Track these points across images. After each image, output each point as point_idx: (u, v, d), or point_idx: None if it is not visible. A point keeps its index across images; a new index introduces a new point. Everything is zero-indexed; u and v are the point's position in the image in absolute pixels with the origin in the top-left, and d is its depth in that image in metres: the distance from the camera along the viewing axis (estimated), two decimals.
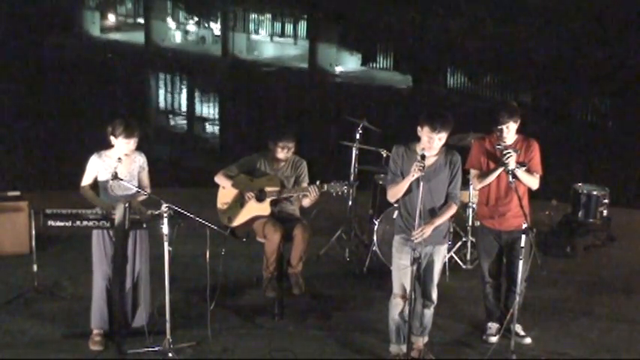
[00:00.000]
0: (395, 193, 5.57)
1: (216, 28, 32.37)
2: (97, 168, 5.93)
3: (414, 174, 5.32)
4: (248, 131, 19.43)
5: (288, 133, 6.94)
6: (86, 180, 5.95)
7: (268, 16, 31.49)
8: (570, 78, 19.82)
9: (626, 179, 13.25)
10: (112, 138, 5.88)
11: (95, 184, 5.98)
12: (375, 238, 7.61)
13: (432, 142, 5.40)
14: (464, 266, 7.85)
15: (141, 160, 6.06)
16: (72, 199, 6.36)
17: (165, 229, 5.56)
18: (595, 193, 8.82)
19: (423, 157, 5.36)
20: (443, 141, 5.45)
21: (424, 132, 5.41)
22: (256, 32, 31.85)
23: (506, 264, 6.22)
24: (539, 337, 6.38)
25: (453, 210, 5.61)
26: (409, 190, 5.50)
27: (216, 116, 23.03)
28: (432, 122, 5.36)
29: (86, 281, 6.34)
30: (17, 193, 7.94)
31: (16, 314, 6.46)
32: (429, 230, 5.45)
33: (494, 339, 6.25)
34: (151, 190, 6.03)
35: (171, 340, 5.74)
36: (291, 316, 6.59)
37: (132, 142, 5.87)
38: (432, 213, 5.53)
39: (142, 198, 5.96)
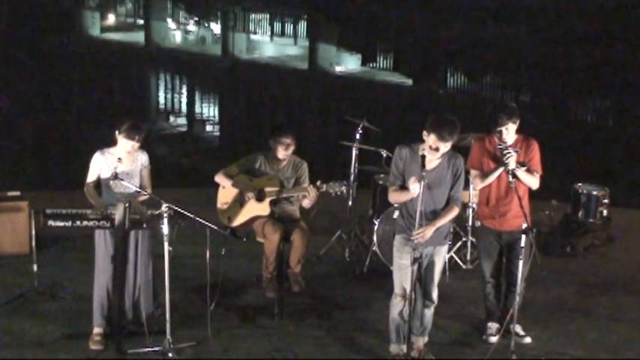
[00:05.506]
0: (395, 199, 5.60)
1: (216, 28, 32.31)
2: (99, 165, 5.96)
3: (414, 192, 5.30)
4: (248, 131, 19.41)
5: (286, 129, 6.92)
6: (90, 178, 5.99)
7: (268, 16, 31.44)
8: (570, 78, 19.80)
9: (626, 179, 13.23)
10: (116, 133, 5.91)
11: (99, 183, 6.00)
12: (375, 238, 7.60)
13: (438, 150, 5.35)
14: (464, 266, 7.85)
15: (143, 158, 6.08)
16: (72, 199, 6.36)
17: (165, 229, 5.57)
18: (595, 193, 8.82)
19: (424, 157, 5.35)
20: (448, 147, 5.42)
21: (430, 139, 5.32)
22: (256, 32, 31.80)
23: (506, 264, 6.22)
24: (539, 337, 6.39)
25: (454, 212, 5.62)
26: None
27: (216, 116, 23.01)
28: (440, 132, 5.25)
29: (86, 281, 6.34)
30: (17, 193, 7.93)
31: (16, 314, 6.46)
32: (430, 232, 5.46)
33: (494, 339, 6.24)
34: (151, 190, 6.03)
35: (171, 340, 5.74)
36: (291, 316, 6.59)
37: (131, 144, 5.88)
38: (433, 214, 5.54)
39: (143, 198, 5.97)
